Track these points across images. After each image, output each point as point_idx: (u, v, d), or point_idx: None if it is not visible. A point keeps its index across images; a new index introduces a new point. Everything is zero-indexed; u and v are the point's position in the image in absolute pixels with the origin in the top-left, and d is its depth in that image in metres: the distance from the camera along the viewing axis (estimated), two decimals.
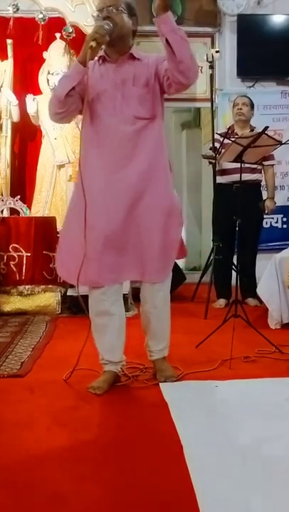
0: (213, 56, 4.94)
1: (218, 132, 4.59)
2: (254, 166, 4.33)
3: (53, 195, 5.31)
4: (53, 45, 5.30)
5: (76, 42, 5.26)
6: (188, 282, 5.14)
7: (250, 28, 5.84)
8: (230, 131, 4.51)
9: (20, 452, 2.02)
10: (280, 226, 6.04)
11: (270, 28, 5.88)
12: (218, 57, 5.35)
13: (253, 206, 4.54)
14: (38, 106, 5.27)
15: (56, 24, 5.21)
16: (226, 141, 4.08)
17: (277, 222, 6.02)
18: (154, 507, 1.67)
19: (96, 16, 2.57)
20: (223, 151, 4.14)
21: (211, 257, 4.72)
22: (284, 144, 3.67)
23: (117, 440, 2.14)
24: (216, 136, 4.56)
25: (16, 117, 5.31)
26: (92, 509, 1.66)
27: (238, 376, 2.84)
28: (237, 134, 4.40)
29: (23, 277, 4.51)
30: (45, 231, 4.56)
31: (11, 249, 4.52)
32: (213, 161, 4.67)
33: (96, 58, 2.55)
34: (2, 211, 4.87)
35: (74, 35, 5.12)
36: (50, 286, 4.54)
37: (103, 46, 2.51)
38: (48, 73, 5.36)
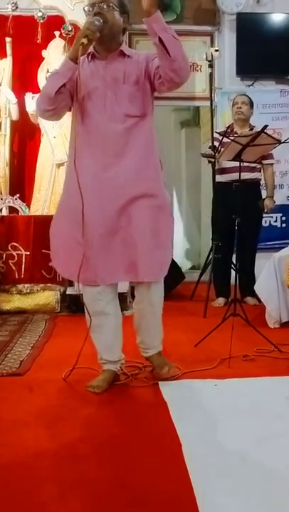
0: (212, 55, 4.94)
1: (218, 131, 4.59)
2: (253, 164, 4.33)
3: (52, 193, 5.29)
4: (52, 43, 5.28)
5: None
6: (188, 281, 5.14)
7: (249, 26, 5.83)
8: (229, 130, 4.51)
9: (19, 451, 2.03)
10: (279, 225, 6.03)
11: (269, 27, 5.87)
12: (218, 56, 5.33)
13: (252, 205, 4.53)
14: None
15: (55, 22, 5.19)
16: (225, 139, 4.08)
17: (276, 221, 6.02)
18: (153, 506, 1.67)
19: (87, 10, 2.54)
20: (222, 149, 4.13)
21: (210, 256, 4.72)
22: (283, 142, 3.67)
23: (115, 439, 2.14)
24: (215, 135, 4.56)
25: (15, 116, 5.29)
26: (92, 508, 1.67)
27: (237, 375, 2.85)
28: (236, 133, 4.40)
29: (23, 276, 4.51)
30: (44, 230, 4.50)
31: (10, 248, 4.52)
32: (213, 160, 4.66)
33: (85, 55, 2.51)
34: (1, 210, 4.86)
35: (73, 33, 5.10)
36: (50, 284, 4.54)
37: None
38: (47, 71, 5.34)
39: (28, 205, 5.10)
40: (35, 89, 5.37)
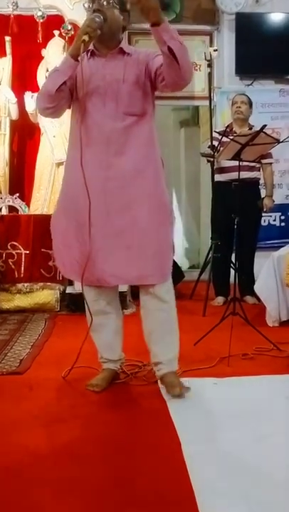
0: (211, 55, 4.94)
1: (217, 130, 4.59)
2: (252, 164, 4.33)
3: (51, 193, 5.28)
4: (51, 42, 5.28)
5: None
6: (187, 280, 5.15)
7: (248, 26, 5.83)
8: (228, 130, 4.51)
9: (18, 449, 2.03)
10: (278, 224, 6.04)
11: (268, 27, 5.87)
12: (217, 56, 5.33)
13: (251, 204, 4.54)
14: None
15: (55, 22, 5.19)
16: (225, 139, 4.09)
17: (275, 220, 6.02)
18: (153, 505, 1.67)
19: (87, 7, 2.52)
20: (221, 149, 4.14)
21: (210, 255, 4.72)
22: (282, 142, 3.68)
23: (115, 438, 2.15)
24: (215, 135, 4.55)
25: (14, 115, 5.29)
26: (91, 507, 1.67)
27: (237, 373, 2.85)
28: (235, 132, 4.39)
29: (22, 275, 4.51)
30: (43, 229, 4.51)
31: (9, 247, 4.52)
32: (212, 159, 4.67)
33: (84, 53, 2.46)
34: (1, 209, 4.86)
35: (72, 32, 5.11)
36: (49, 283, 4.54)
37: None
38: (47, 71, 5.34)
39: (28, 205, 5.11)
40: (35, 89, 5.37)
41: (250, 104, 4.69)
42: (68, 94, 2.50)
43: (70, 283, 4.55)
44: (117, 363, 2.73)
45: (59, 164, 5.25)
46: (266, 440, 2.09)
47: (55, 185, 5.26)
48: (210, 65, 4.90)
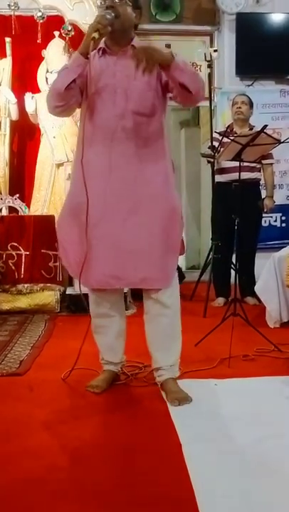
0: (211, 55, 4.93)
1: (217, 131, 4.59)
2: (253, 164, 4.33)
3: (51, 193, 5.29)
4: (51, 43, 5.28)
5: (75, 40, 5.26)
6: (188, 281, 5.14)
7: (249, 26, 5.83)
8: (229, 130, 4.51)
9: (18, 450, 2.03)
10: (278, 225, 6.04)
11: (269, 27, 5.87)
12: (217, 57, 5.33)
13: (252, 205, 4.53)
14: (37, 104, 5.26)
15: (55, 22, 5.19)
16: (225, 139, 4.08)
17: (276, 221, 6.02)
18: (153, 506, 1.67)
19: (99, 3, 2.49)
20: (222, 149, 4.13)
21: (210, 256, 4.71)
22: (283, 142, 3.67)
23: (115, 439, 2.14)
24: (215, 135, 4.55)
25: (14, 116, 5.30)
26: (91, 507, 1.67)
27: (237, 375, 2.85)
28: (236, 133, 4.39)
29: (22, 276, 4.51)
30: (43, 230, 4.55)
31: (9, 248, 4.51)
32: (212, 160, 4.66)
33: (96, 50, 2.42)
34: (1, 210, 4.86)
35: (73, 33, 5.12)
36: (49, 284, 4.54)
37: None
38: (47, 71, 5.35)
39: (28, 205, 5.11)
40: (35, 89, 5.38)
41: (250, 104, 4.68)
42: (78, 93, 2.44)
43: (71, 284, 4.56)
44: (117, 366, 2.72)
45: (59, 165, 5.27)
46: (267, 441, 2.08)
47: (55, 186, 5.27)
48: (210, 66, 4.89)
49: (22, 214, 4.84)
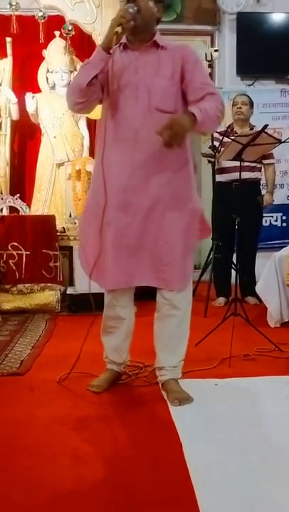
0: (212, 55, 4.93)
1: (218, 131, 4.58)
2: (253, 164, 4.33)
3: (52, 193, 5.30)
4: (52, 43, 5.28)
5: (75, 40, 5.26)
6: None
7: (249, 26, 5.83)
8: (229, 130, 4.50)
9: (18, 450, 2.03)
10: (279, 224, 6.04)
11: (269, 27, 5.87)
12: (217, 56, 5.33)
13: (252, 205, 4.53)
14: (38, 104, 5.26)
15: (55, 22, 5.19)
16: (226, 139, 4.08)
17: (276, 220, 6.02)
18: (153, 506, 1.67)
19: None
20: (222, 149, 4.13)
21: (211, 256, 4.72)
22: (283, 142, 3.67)
23: (116, 438, 2.14)
24: (215, 135, 4.55)
25: (15, 115, 5.30)
26: (91, 508, 1.67)
27: (238, 374, 2.85)
28: (236, 133, 4.39)
29: (23, 276, 4.50)
30: (44, 229, 4.56)
31: (10, 248, 4.51)
32: (213, 160, 4.66)
33: (117, 45, 2.33)
34: (2, 209, 4.86)
35: (73, 33, 5.12)
36: (50, 284, 4.53)
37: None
38: (47, 71, 5.35)
39: (29, 205, 5.11)
40: (36, 89, 5.38)
41: (251, 104, 4.68)
42: (99, 89, 2.40)
43: (71, 284, 4.56)
44: (120, 366, 2.72)
45: (60, 165, 5.27)
46: (267, 441, 2.08)
47: (56, 186, 5.28)
48: (211, 66, 4.90)
49: (23, 214, 4.83)
